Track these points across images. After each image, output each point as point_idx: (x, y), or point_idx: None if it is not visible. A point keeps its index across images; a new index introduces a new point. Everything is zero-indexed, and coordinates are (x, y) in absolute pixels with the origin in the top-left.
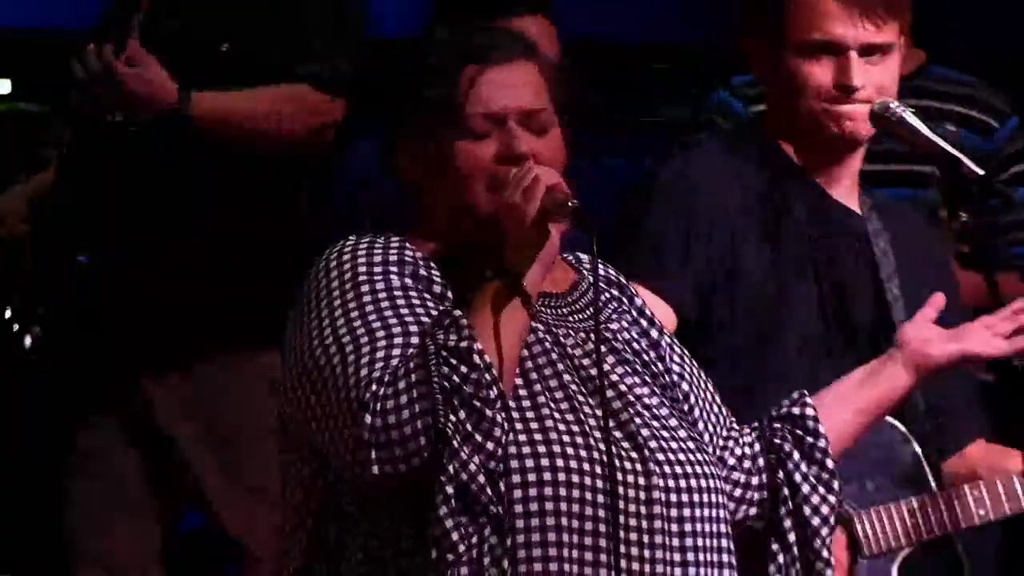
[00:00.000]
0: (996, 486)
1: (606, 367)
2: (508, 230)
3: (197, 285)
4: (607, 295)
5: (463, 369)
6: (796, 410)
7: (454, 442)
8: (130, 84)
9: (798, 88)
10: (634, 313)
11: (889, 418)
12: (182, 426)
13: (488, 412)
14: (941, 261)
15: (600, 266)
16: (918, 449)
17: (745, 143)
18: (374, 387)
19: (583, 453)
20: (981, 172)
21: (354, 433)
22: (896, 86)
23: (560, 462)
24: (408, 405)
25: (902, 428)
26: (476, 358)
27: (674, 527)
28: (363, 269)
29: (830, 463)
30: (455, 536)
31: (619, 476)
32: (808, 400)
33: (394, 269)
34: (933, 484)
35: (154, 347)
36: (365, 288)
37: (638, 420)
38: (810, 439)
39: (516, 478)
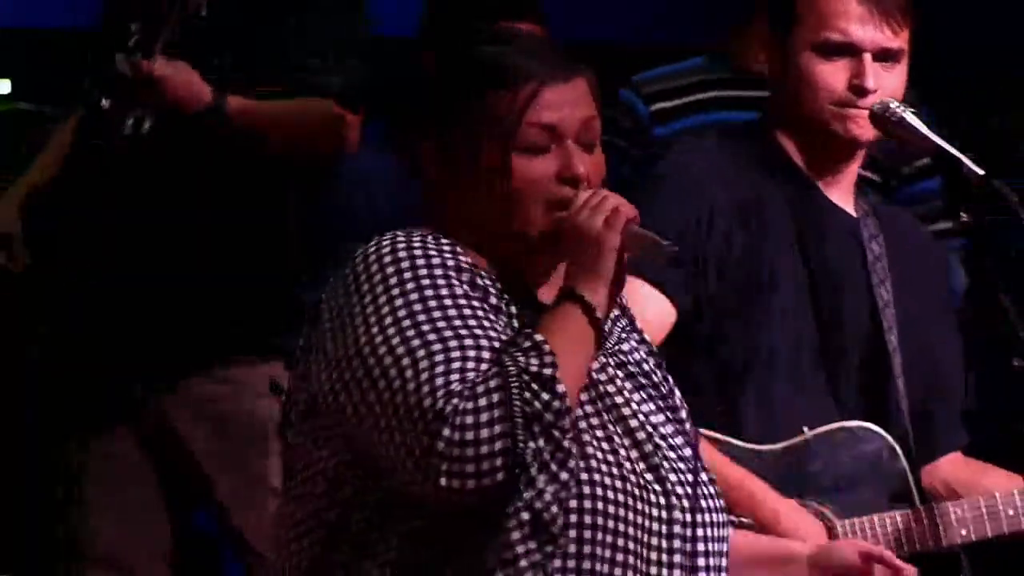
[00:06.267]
0: (980, 507)
1: (625, 394)
2: (581, 256)
3: (200, 295)
4: (615, 313)
5: (544, 396)
6: None
7: (531, 469)
8: (171, 83)
9: (808, 86)
10: (638, 334)
11: (878, 429)
12: (193, 431)
13: (565, 443)
14: (937, 269)
15: None
16: (906, 465)
17: (745, 140)
18: (455, 400)
19: (619, 484)
20: (983, 172)
21: (425, 443)
22: (902, 95)
23: (600, 491)
24: (488, 425)
25: (891, 441)
26: (559, 387)
27: (687, 561)
28: (424, 271)
29: None
30: (524, 563)
31: (645, 509)
32: None
33: (454, 275)
34: (917, 500)
35: (162, 355)
36: (429, 292)
37: (660, 454)
38: None
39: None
